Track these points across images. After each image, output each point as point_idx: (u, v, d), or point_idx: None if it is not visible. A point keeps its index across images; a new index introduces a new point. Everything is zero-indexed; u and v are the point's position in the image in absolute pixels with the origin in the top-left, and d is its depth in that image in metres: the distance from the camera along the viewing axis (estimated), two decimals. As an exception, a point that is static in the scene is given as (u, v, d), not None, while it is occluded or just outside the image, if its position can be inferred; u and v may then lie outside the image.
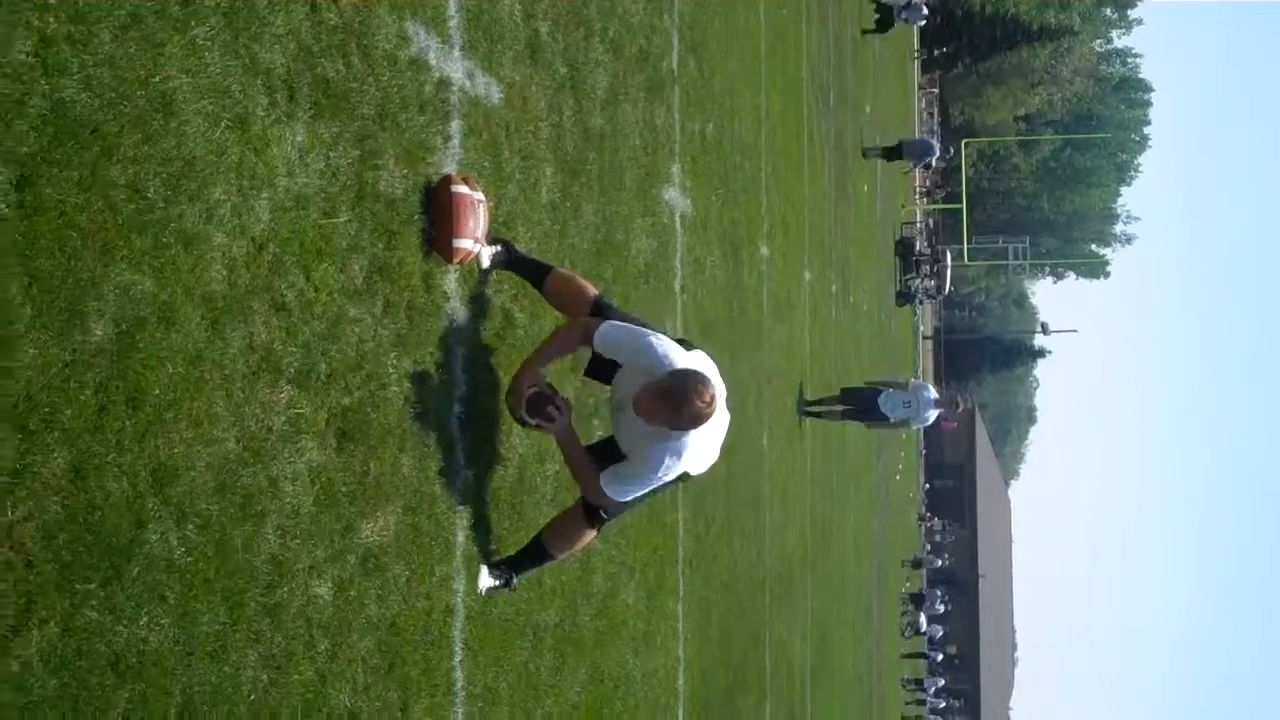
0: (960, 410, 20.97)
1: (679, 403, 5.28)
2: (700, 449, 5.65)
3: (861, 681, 26.91)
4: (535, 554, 6.06)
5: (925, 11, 34.92)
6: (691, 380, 5.30)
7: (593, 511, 5.91)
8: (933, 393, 18.45)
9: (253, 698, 4.06)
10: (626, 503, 5.83)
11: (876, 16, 32.67)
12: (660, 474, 5.59)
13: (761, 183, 14.03)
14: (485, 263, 5.94)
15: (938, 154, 34.72)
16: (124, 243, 3.54)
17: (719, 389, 5.76)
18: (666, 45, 9.54)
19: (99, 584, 3.41)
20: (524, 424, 5.67)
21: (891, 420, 18.57)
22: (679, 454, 5.53)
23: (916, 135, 52.00)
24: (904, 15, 34.23)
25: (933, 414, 18.41)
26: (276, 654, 4.21)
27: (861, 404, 18.66)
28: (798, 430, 17.30)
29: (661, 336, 5.60)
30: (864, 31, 31.48)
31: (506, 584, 5.94)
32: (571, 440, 5.77)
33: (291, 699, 4.28)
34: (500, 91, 6.20)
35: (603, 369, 5.91)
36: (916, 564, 51.36)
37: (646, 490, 5.73)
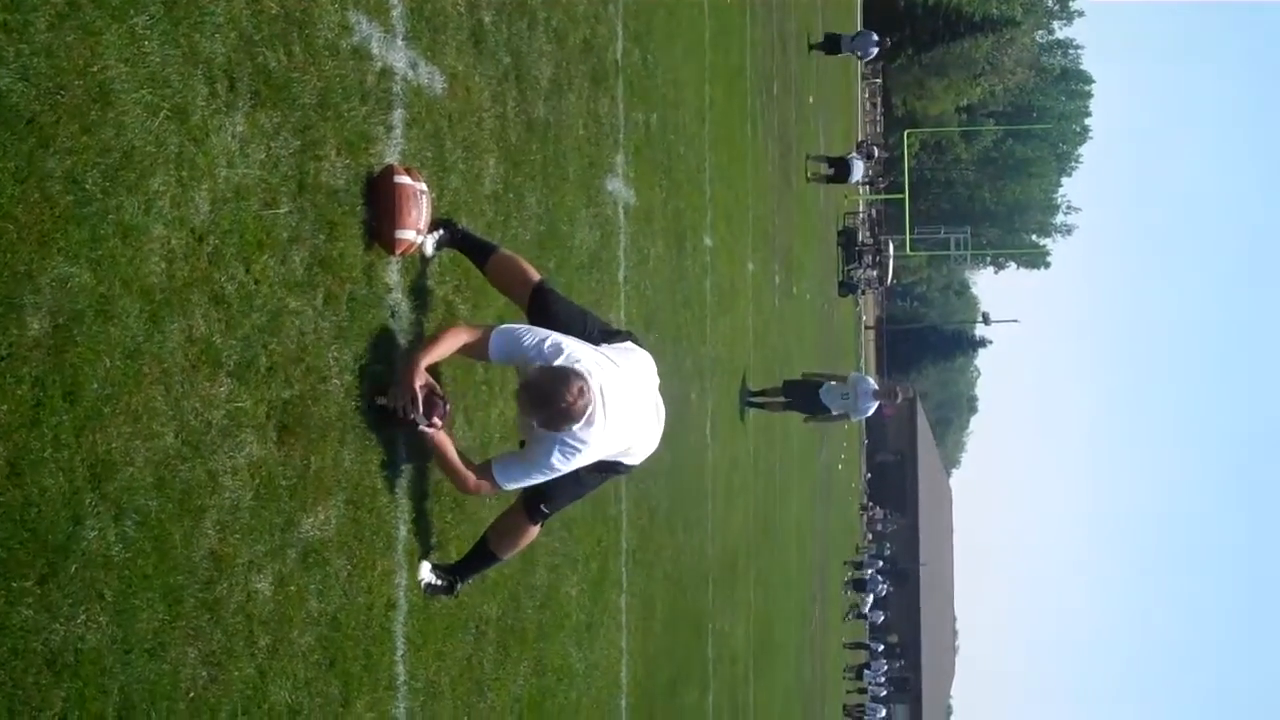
0: (900, 401, 21.06)
1: (544, 401, 5.24)
2: (607, 439, 5.57)
3: (804, 671, 27.03)
4: (481, 556, 6.04)
5: (875, 39, 33.78)
6: (557, 378, 5.23)
7: (534, 508, 5.89)
8: (872, 384, 18.53)
9: (192, 695, 4.02)
10: (550, 492, 5.79)
11: (823, 42, 32.15)
12: (548, 466, 5.48)
13: (705, 173, 14.03)
14: (428, 252, 5.90)
15: (858, 177, 33.93)
16: (61, 235, 3.49)
17: (635, 380, 5.75)
18: (610, 35, 9.51)
19: (35, 581, 3.36)
20: (413, 424, 5.36)
21: (833, 413, 18.63)
22: (568, 445, 5.42)
23: (859, 138, 51.94)
24: (854, 45, 33.47)
25: (872, 406, 18.48)
26: (216, 650, 4.17)
27: (802, 396, 18.72)
28: (740, 421, 17.33)
29: (557, 336, 5.48)
30: (810, 47, 31.20)
31: (449, 589, 5.90)
32: (449, 443, 5.58)
33: (231, 696, 4.24)
34: (443, 81, 6.16)
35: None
36: (858, 565, 51.62)
37: (546, 479, 5.61)
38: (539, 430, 5.43)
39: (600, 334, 5.90)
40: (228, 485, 4.29)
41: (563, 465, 5.52)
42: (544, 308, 5.86)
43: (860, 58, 38.37)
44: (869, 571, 50.88)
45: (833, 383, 18.63)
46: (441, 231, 5.93)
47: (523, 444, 5.78)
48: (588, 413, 5.29)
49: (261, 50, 4.54)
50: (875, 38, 33.17)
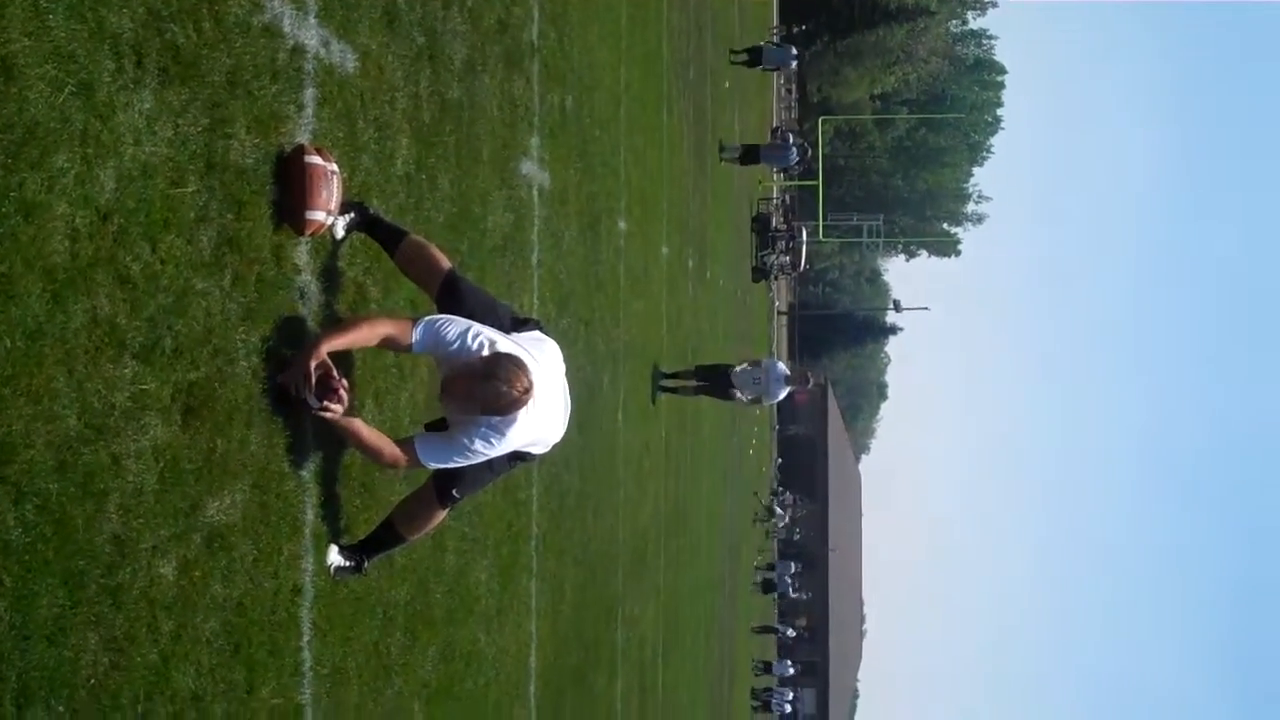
0: (810, 386, 21.26)
1: (490, 392, 5.31)
2: (527, 428, 5.64)
3: (712, 654, 27.14)
4: (387, 537, 5.99)
5: (795, 53, 35.72)
6: (503, 369, 5.32)
7: (444, 491, 5.87)
8: (783, 369, 18.68)
9: (93, 681, 3.95)
10: (461, 477, 5.82)
11: (745, 56, 33.13)
12: (472, 450, 5.56)
13: (620, 157, 14.00)
14: (339, 234, 5.83)
15: (795, 160, 35.15)
16: (-41, 212, 3.41)
17: (547, 370, 5.77)
18: (526, 16, 9.45)
19: (-71, 566, 3.29)
20: (307, 407, 5.19)
21: (745, 398, 18.75)
22: (494, 430, 5.52)
23: (774, 124, 52.60)
24: (774, 59, 34.91)
25: (783, 391, 18.63)
26: (118, 636, 4.10)
27: (714, 380, 18.82)
28: (652, 406, 17.34)
29: (477, 326, 5.53)
30: (732, 62, 31.88)
31: (357, 568, 5.86)
32: (355, 420, 5.48)
33: (133, 682, 4.17)
34: (355, 60, 6.09)
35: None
36: (769, 566, 51.91)
37: (468, 463, 5.65)
38: (470, 417, 5.48)
39: (512, 322, 5.91)
40: (131, 469, 4.21)
41: (486, 450, 5.59)
42: (454, 296, 5.83)
43: (780, 71, 40.18)
44: (775, 553, 51.16)
45: (745, 366, 18.74)
46: (353, 214, 5.86)
47: (428, 426, 5.76)
48: (529, 403, 5.40)
49: (170, 26, 4.46)
50: (794, 52, 35.18)
